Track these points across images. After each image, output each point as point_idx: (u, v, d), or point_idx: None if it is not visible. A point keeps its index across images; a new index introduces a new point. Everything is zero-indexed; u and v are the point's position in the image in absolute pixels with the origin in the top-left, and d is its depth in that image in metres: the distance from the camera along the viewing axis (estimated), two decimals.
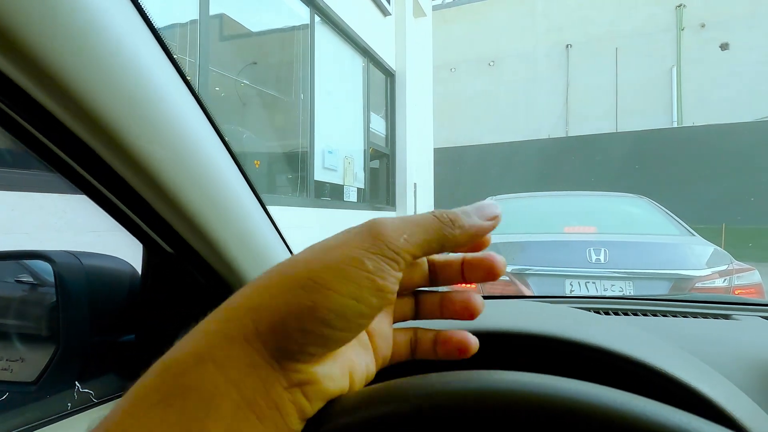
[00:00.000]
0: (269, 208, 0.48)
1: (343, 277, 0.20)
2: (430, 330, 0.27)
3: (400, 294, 0.27)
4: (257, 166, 4.38)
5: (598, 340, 0.28)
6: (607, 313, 0.63)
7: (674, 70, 12.74)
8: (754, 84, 11.74)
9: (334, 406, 0.22)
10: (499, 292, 2.31)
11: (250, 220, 0.45)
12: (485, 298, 0.32)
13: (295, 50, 4.76)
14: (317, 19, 4.96)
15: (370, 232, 0.21)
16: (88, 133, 0.30)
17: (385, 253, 0.21)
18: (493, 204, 0.25)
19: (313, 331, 0.20)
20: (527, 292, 2.27)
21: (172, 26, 3.22)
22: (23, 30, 0.24)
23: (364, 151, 6.19)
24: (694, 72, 12.51)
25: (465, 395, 0.20)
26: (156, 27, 0.32)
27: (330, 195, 5.32)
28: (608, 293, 2.21)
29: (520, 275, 2.31)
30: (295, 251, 0.27)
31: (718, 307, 0.66)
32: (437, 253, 0.24)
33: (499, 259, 0.25)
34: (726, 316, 0.61)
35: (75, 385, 0.50)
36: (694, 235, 2.59)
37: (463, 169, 12.06)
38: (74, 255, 0.53)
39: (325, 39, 5.13)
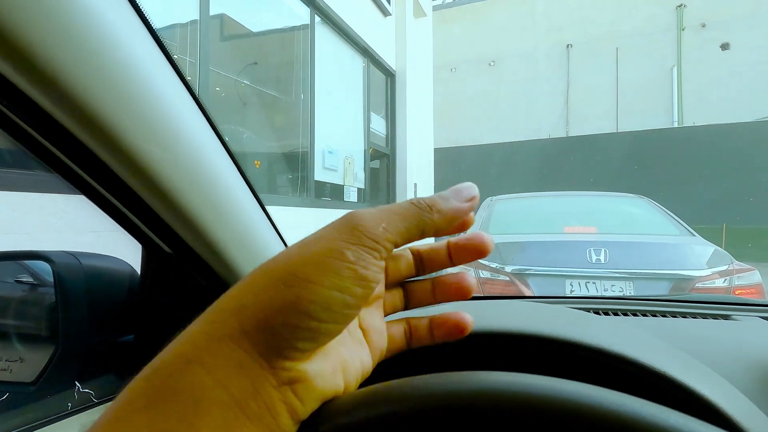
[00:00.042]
0: (269, 208, 0.48)
1: (325, 269, 0.20)
2: (423, 317, 0.28)
3: (389, 286, 0.28)
4: (257, 166, 4.38)
5: (595, 340, 0.28)
6: (606, 314, 0.63)
7: (675, 70, 12.74)
8: (754, 84, 11.74)
9: (330, 407, 0.22)
10: (499, 292, 2.30)
11: (249, 220, 0.45)
12: (483, 298, 0.32)
13: (295, 50, 4.76)
14: (317, 19, 4.96)
15: (348, 224, 0.22)
16: (87, 134, 0.30)
17: (365, 242, 0.21)
18: (469, 185, 0.26)
19: (298, 325, 0.19)
20: (527, 293, 2.27)
21: (173, 26, 3.22)
22: (21, 31, 0.24)
23: (365, 151, 6.19)
24: (695, 72, 12.51)
25: (462, 396, 0.20)
26: (154, 27, 0.32)
27: (330, 195, 5.32)
28: (608, 293, 2.21)
29: (520, 275, 2.31)
30: None
31: (718, 307, 0.66)
32: (418, 239, 0.24)
33: (486, 237, 0.26)
34: (725, 317, 0.61)
35: (74, 385, 0.50)
36: (694, 235, 2.58)
37: (463, 169, 12.06)
38: (73, 255, 0.53)
39: (325, 39, 5.13)
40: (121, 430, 0.18)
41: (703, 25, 12.58)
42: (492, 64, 15.06)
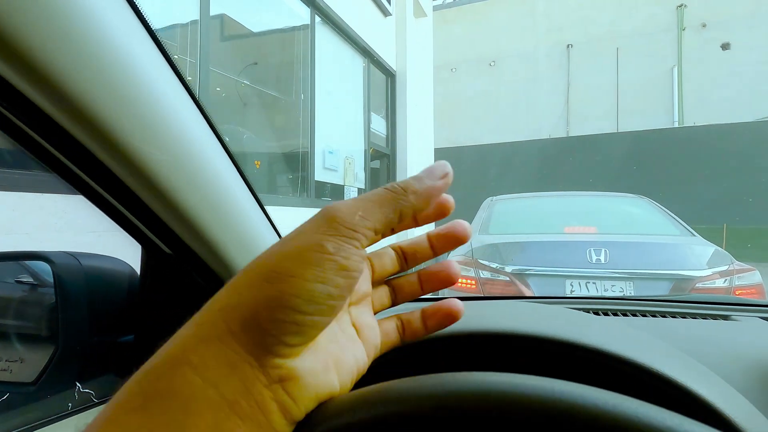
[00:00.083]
0: (270, 208, 0.48)
1: (305, 263, 0.20)
2: (414, 311, 0.28)
3: (375, 284, 0.29)
4: (258, 166, 4.38)
5: (593, 340, 0.28)
6: (605, 314, 0.63)
7: (675, 70, 12.73)
8: (754, 84, 11.73)
9: (327, 408, 0.22)
10: (499, 293, 2.30)
11: (248, 220, 0.45)
12: (482, 298, 0.33)
13: (295, 50, 4.76)
14: (318, 19, 4.96)
15: (325, 216, 0.22)
16: (86, 135, 0.30)
17: (343, 233, 0.21)
18: (443, 163, 0.26)
19: (284, 320, 0.20)
20: (527, 293, 2.27)
21: (173, 27, 3.22)
22: (21, 34, 0.24)
23: (365, 151, 6.19)
24: (695, 72, 12.50)
25: (458, 397, 0.20)
26: (153, 28, 0.33)
27: (331, 195, 5.32)
28: (609, 294, 2.20)
29: (521, 276, 2.31)
30: None
31: (717, 307, 0.66)
32: (399, 223, 0.24)
33: (464, 223, 0.27)
34: (725, 317, 0.61)
35: (74, 385, 0.50)
36: (694, 236, 2.58)
37: (463, 170, 12.05)
38: (73, 256, 0.53)
39: (325, 39, 5.13)
40: (112, 431, 0.18)
41: (704, 25, 12.57)
42: (492, 64, 15.05)
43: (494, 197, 3.36)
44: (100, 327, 0.51)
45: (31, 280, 0.57)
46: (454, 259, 2.58)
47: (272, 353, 0.20)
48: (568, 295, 2.07)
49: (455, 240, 0.27)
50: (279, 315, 0.20)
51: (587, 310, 0.63)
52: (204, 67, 3.29)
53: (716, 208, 9.56)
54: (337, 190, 5.49)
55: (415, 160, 7.36)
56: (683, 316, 0.61)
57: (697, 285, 2.14)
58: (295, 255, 0.21)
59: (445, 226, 0.27)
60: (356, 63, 6.06)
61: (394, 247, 0.29)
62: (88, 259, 0.54)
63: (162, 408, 0.18)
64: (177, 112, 0.35)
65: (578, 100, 13.89)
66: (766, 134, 9.67)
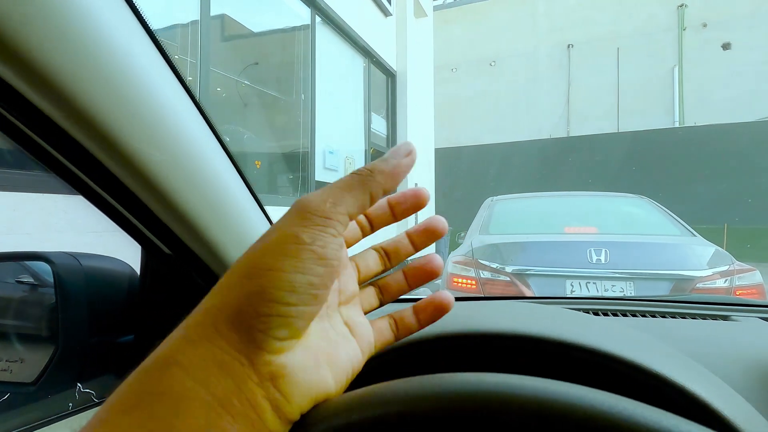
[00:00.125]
0: (270, 208, 0.48)
1: (282, 255, 0.21)
2: (405, 309, 0.29)
3: (362, 285, 0.29)
4: (258, 166, 4.38)
5: (591, 340, 0.28)
6: (605, 314, 0.63)
7: (676, 70, 12.71)
8: (755, 84, 11.71)
9: (323, 408, 0.22)
10: (499, 293, 2.30)
11: (247, 221, 0.45)
12: (481, 299, 0.33)
13: (296, 51, 4.77)
14: (318, 19, 4.96)
15: (297, 209, 0.22)
16: (85, 136, 0.30)
17: (317, 222, 0.22)
18: (406, 142, 0.27)
19: (269, 314, 0.20)
20: (528, 293, 2.26)
21: (173, 27, 3.22)
22: (19, 34, 0.24)
23: (365, 151, 6.19)
24: (696, 72, 12.48)
25: (455, 398, 0.20)
26: (152, 28, 0.33)
27: None
28: (609, 294, 2.20)
29: (521, 276, 2.31)
30: None
31: (717, 308, 0.66)
32: (371, 205, 0.24)
33: (438, 217, 0.28)
34: (725, 317, 0.61)
35: (74, 385, 0.50)
36: (695, 236, 2.58)
37: (463, 169, 12.05)
38: (73, 256, 0.53)
39: (326, 39, 5.13)
40: None
41: (705, 25, 12.55)
42: (493, 64, 15.04)
43: (494, 197, 3.36)
44: (100, 327, 0.51)
45: (31, 280, 0.57)
46: (454, 259, 2.58)
47: (261, 349, 0.20)
48: (567, 296, 2.07)
49: (434, 234, 0.28)
50: (263, 309, 0.20)
51: (587, 311, 0.63)
52: (204, 67, 3.29)
53: (716, 208, 9.54)
54: None
55: (416, 160, 7.35)
56: (683, 316, 0.61)
57: (697, 285, 2.14)
58: (272, 249, 0.21)
59: (423, 221, 0.29)
60: (356, 63, 6.06)
61: (375, 248, 0.30)
62: (88, 260, 0.54)
63: (152, 409, 0.18)
64: (176, 112, 0.35)
65: (579, 100, 13.88)
66: (767, 134, 9.66)
